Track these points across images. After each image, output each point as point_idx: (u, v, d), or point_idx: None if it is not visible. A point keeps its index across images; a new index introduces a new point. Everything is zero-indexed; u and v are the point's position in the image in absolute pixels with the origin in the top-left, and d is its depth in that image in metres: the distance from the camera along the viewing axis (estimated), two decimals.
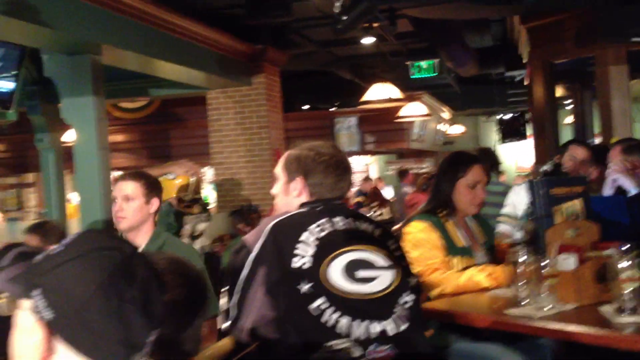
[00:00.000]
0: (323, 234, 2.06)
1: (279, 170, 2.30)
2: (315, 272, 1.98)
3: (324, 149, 2.24)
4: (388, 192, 13.07)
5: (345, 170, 2.24)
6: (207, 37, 7.35)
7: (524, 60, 8.82)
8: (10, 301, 1.07)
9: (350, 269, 2.02)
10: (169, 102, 11.47)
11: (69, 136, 7.53)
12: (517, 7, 6.80)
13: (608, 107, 7.26)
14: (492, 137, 17.23)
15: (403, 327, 2.01)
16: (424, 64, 10.40)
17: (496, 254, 3.10)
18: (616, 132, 6.89)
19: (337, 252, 2.03)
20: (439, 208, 3.02)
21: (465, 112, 15.88)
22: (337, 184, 2.21)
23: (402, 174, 11.80)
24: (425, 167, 14.60)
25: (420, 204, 3.26)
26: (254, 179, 8.67)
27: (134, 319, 1.02)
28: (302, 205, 2.19)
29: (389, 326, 1.99)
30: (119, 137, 11.80)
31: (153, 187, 3.02)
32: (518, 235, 3.55)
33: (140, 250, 1.13)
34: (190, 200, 4.63)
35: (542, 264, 2.51)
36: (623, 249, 2.34)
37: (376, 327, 1.98)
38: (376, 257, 2.07)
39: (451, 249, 2.93)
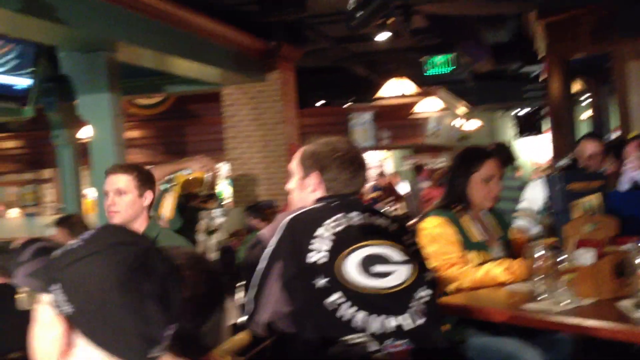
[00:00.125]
0: (339, 229, 2.06)
1: (294, 165, 2.30)
2: (331, 267, 1.98)
3: (339, 145, 2.24)
4: (403, 188, 13.04)
5: (360, 166, 2.24)
6: (222, 34, 7.37)
7: (540, 56, 8.77)
8: (30, 296, 1.08)
9: (366, 264, 2.02)
10: (184, 98, 11.52)
11: (85, 132, 7.58)
12: (536, 2, 6.76)
13: (626, 102, 7.21)
14: (508, 132, 17.13)
15: (419, 322, 2.01)
16: (438, 59, 10.36)
17: (513, 249, 3.09)
18: (634, 127, 6.84)
19: (353, 247, 2.03)
20: (454, 203, 3.01)
21: (481, 107, 15.81)
22: (352, 179, 2.21)
23: (418, 169, 11.76)
24: (441, 162, 14.54)
25: (435, 200, 3.25)
26: (269, 174, 8.69)
27: (152, 313, 1.02)
28: (318, 200, 2.19)
29: (405, 321, 1.99)
30: (134, 134, 11.87)
31: (146, 180, 2.88)
32: (535, 230, 3.53)
33: None
34: (206, 195, 4.64)
35: (560, 258, 2.49)
36: None
37: (392, 322, 1.98)
38: (392, 252, 2.07)
39: (467, 244, 2.91)
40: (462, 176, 3.02)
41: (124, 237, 1.08)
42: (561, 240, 2.75)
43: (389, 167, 16.12)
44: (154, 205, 4.48)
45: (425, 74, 10.35)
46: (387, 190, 11.90)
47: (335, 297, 1.96)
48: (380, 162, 15.68)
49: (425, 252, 2.35)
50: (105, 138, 5.85)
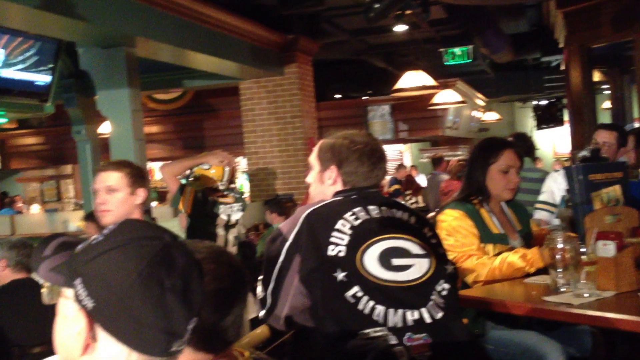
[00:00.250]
0: (358, 222, 2.06)
1: (313, 159, 2.30)
2: (350, 261, 1.98)
3: (358, 138, 2.23)
4: (422, 180, 13.00)
5: (379, 159, 2.23)
6: (240, 28, 7.38)
7: (560, 45, 8.68)
8: (52, 290, 1.09)
9: (386, 257, 2.01)
10: (203, 92, 11.55)
11: (105, 128, 7.63)
12: None
13: None
14: (528, 123, 16.98)
15: (439, 315, 2.00)
16: (457, 50, 10.28)
17: (533, 241, 3.06)
18: None
19: (372, 240, 2.03)
20: (472, 195, 2.99)
21: (500, 98, 15.69)
22: (371, 172, 2.21)
23: (437, 161, 11.71)
24: (460, 154, 14.47)
25: (455, 192, 3.23)
26: (288, 168, 8.69)
27: (174, 307, 1.03)
28: (337, 193, 2.19)
29: (425, 314, 1.99)
30: (153, 129, 11.92)
31: (138, 177, 2.74)
32: (556, 222, 3.50)
33: None
34: (225, 189, 4.65)
35: (581, 250, 2.47)
36: None
37: (412, 315, 1.97)
38: (412, 245, 2.06)
39: (486, 236, 2.89)
40: (480, 167, 3.00)
41: (145, 231, 1.08)
42: (582, 231, 2.73)
43: (408, 160, 16.07)
44: (174, 201, 4.52)
45: (445, 63, 10.29)
46: (406, 183, 11.88)
47: (354, 290, 1.96)
48: (399, 154, 15.65)
49: (444, 244, 2.34)
50: (125, 133, 5.89)
